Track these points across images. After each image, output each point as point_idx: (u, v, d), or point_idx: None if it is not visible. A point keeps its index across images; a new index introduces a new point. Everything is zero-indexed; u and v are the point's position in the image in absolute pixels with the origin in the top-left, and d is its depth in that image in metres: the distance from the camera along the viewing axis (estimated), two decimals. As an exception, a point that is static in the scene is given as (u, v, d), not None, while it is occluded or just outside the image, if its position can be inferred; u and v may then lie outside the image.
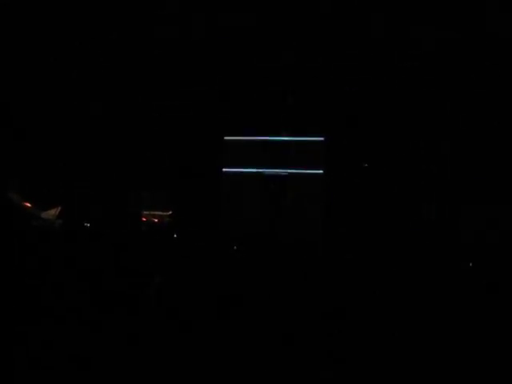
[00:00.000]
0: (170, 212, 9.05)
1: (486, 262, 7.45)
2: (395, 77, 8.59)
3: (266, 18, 8.28)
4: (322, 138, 9.14)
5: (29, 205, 7.48)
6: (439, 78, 8.48)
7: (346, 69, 8.67)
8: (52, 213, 7.87)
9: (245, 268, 7.07)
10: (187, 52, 8.84)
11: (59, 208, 7.89)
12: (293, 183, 9.17)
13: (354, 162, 8.94)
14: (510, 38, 7.81)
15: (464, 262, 7.56)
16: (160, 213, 9.03)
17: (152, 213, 8.99)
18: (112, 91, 9.18)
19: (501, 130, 8.32)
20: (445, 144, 8.64)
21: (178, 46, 8.79)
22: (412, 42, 8.21)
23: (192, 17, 8.47)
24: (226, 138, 9.38)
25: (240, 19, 8.31)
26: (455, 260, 7.62)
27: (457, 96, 8.50)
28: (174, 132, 9.25)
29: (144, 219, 8.84)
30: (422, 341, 4.34)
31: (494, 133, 8.41)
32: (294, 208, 9.10)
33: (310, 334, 4.35)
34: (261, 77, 8.87)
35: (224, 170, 9.33)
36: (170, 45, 8.76)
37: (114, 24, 8.48)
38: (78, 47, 8.69)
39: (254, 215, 9.11)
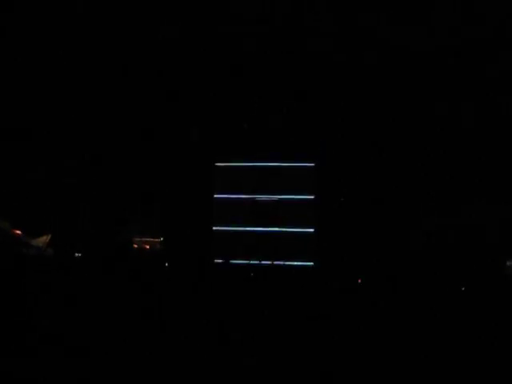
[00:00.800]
0: (162, 238, 9.01)
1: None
2: (382, 101, 8.73)
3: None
4: (312, 164, 9.21)
5: (19, 232, 7.44)
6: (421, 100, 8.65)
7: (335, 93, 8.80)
8: (42, 240, 7.84)
9: (238, 295, 7.03)
10: (173, 78, 8.88)
11: (49, 236, 7.86)
12: (284, 208, 9.19)
13: (345, 187, 9.00)
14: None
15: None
16: (151, 239, 8.99)
17: (143, 239, 8.94)
18: (100, 121, 9.16)
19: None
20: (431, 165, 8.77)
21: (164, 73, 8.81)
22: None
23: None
24: (217, 164, 9.40)
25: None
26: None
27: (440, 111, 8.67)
28: (164, 159, 9.24)
29: (135, 246, 8.79)
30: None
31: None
32: (286, 232, 9.11)
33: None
34: (252, 103, 8.96)
35: (215, 196, 9.33)
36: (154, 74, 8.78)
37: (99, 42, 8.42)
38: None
39: (247, 240, 9.10)
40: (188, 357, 4.33)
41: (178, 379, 3.90)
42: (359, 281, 8.12)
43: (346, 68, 8.44)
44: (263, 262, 8.89)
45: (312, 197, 9.15)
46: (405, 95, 8.66)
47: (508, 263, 8.47)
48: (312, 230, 9.11)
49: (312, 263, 9.01)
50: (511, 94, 8.30)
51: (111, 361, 4.11)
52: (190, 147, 9.23)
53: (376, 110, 8.83)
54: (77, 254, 7.87)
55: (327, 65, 8.47)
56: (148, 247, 8.89)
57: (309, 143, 9.12)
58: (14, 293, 5.58)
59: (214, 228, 9.22)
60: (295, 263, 8.97)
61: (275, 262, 8.92)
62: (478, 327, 5.29)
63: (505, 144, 8.54)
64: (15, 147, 8.85)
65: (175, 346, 4.62)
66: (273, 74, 8.78)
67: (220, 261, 8.81)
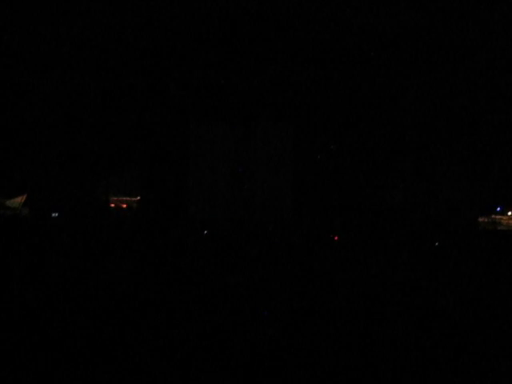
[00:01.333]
0: (138, 197, 9.03)
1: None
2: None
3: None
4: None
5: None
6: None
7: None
8: (18, 201, 7.84)
9: (215, 252, 7.14)
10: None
11: (25, 196, 7.86)
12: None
13: (322, 146, 9.04)
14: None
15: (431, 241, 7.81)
16: (128, 198, 9.01)
17: (120, 198, 8.96)
18: (79, 79, 9.00)
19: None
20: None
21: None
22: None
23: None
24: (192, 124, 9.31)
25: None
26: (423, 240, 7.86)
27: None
28: (142, 117, 9.15)
29: (112, 205, 8.82)
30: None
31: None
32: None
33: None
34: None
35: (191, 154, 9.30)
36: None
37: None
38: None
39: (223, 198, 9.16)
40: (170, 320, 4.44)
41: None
42: (336, 238, 8.30)
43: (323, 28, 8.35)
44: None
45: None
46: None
47: (479, 219, 8.74)
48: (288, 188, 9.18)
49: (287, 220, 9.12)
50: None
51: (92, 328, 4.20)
52: (168, 106, 9.13)
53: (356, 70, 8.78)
54: (53, 214, 7.88)
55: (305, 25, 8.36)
56: (125, 206, 8.93)
57: (286, 103, 9.06)
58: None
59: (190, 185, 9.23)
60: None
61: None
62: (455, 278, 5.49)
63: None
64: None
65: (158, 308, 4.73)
66: (254, 38, 8.66)
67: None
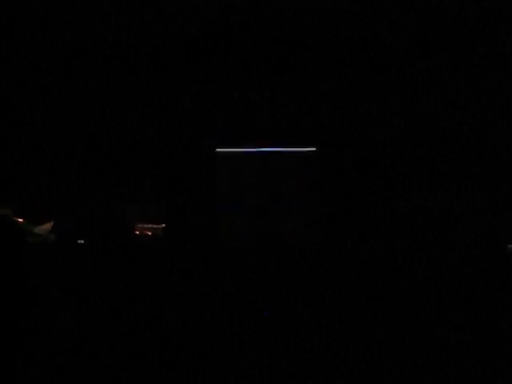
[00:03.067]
0: (163, 225, 9.00)
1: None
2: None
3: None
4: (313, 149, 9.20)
5: (21, 220, 7.44)
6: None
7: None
8: (45, 228, 7.84)
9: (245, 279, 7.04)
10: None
11: (52, 223, 7.86)
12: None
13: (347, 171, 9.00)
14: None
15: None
16: (153, 226, 8.98)
17: (145, 226, 8.93)
18: (101, 106, 9.16)
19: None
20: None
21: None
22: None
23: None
24: (218, 150, 9.39)
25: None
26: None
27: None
28: (168, 144, 9.24)
29: (137, 232, 8.78)
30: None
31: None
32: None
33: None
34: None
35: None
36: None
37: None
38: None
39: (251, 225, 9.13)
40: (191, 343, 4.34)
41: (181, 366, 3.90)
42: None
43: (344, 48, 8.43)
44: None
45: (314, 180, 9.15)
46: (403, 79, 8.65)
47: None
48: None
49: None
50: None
51: (113, 348, 4.13)
52: (195, 133, 9.22)
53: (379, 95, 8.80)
54: (79, 241, 7.87)
55: (325, 46, 8.44)
56: (150, 234, 8.89)
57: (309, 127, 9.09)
58: (18, 280, 5.59)
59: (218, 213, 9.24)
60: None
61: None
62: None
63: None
64: (16, 135, 8.86)
65: (177, 333, 4.64)
66: (274, 60, 8.77)
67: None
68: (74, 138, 9.06)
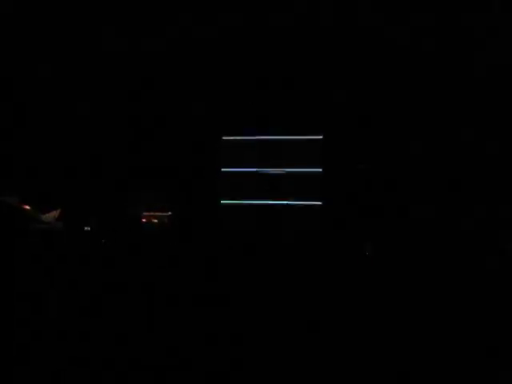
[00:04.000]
0: (170, 213, 9.06)
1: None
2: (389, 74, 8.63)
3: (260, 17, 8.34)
4: (320, 137, 9.16)
5: (28, 208, 7.53)
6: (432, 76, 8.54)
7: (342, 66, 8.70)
8: (52, 215, 7.93)
9: (245, 267, 7.08)
10: (185, 51, 8.88)
11: (59, 211, 7.95)
12: (290, 182, 9.21)
13: (353, 160, 8.95)
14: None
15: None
16: (159, 213, 9.05)
17: (152, 213, 9.01)
18: (109, 92, 9.20)
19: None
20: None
21: (175, 46, 8.83)
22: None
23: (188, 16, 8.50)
24: (224, 138, 9.40)
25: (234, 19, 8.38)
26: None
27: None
28: (172, 133, 9.27)
29: (144, 220, 8.86)
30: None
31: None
32: (293, 205, 9.14)
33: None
34: (258, 75, 8.93)
35: (222, 169, 9.36)
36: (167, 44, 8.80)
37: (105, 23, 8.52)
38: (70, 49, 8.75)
39: (253, 214, 9.16)
40: (198, 332, 4.39)
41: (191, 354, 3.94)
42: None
43: (352, 38, 8.36)
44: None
45: (320, 170, 9.12)
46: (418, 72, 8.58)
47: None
48: (319, 202, 9.11)
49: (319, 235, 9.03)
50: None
51: (122, 338, 4.18)
52: (197, 121, 9.24)
53: (385, 81, 8.72)
54: (86, 228, 7.96)
55: (332, 35, 8.39)
56: (156, 221, 8.96)
57: (317, 115, 9.05)
58: (24, 268, 5.68)
59: (222, 202, 9.29)
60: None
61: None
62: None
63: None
64: (24, 121, 8.93)
65: (185, 321, 4.69)
66: (280, 47, 8.73)
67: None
68: (82, 131, 9.14)
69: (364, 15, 8.20)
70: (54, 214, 7.74)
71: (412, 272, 6.54)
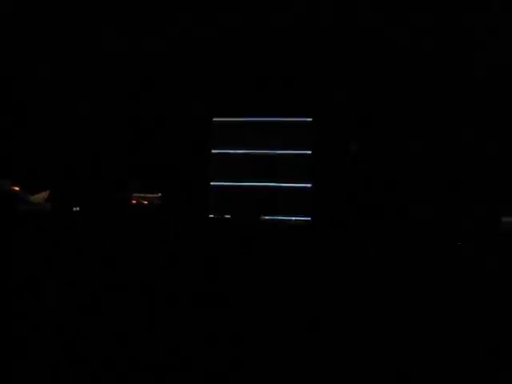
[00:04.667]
0: (160, 194, 9.09)
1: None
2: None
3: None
4: (310, 119, 9.17)
5: (17, 189, 7.55)
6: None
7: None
8: (41, 197, 7.96)
9: (236, 250, 7.12)
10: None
11: (48, 192, 7.97)
12: (282, 163, 9.24)
13: (342, 143, 8.97)
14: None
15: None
16: (150, 195, 9.08)
17: (142, 195, 9.03)
18: (99, 83, 9.16)
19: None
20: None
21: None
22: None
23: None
24: (214, 119, 9.39)
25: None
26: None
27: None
28: (162, 117, 9.25)
29: (134, 201, 8.89)
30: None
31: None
32: (284, 187, 9.19)
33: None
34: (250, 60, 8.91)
35: (212, 151, 9.37)
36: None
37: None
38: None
39: (244, 196, 9.21)
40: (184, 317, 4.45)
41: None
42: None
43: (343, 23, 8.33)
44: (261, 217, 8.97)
45: (309, 152, 9.15)
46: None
47: (503, 219, 8.54)
48: (309, 184, 9.16)
49: (309, 218, 9.09)
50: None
51: (111, 322, 4.23)
52: (189, 102, 9.21)
53: (377, 66, 8.71)
54: (75, 209, 8.00)
55: (324, 21, 8.36)
56: (146, 203, 9.00)
57: (307, 98, 9.03)
58: (12, 249, 5.72)
59: (212, 183, 9.32)
60: (292, 218, 9.06)
61: (274, 217, 9.01)
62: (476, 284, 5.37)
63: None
64: (14, 106, 8.91)
65: (172, 305, 4.74)
66: (272, 29, 8.69)
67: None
68: (72, 115, 9.12)
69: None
70: (43, 195, 7.77)
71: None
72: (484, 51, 8.11)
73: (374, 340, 4.00)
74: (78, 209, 7.98)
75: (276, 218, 9.00)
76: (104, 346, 3.61)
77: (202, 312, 4.43)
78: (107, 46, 8.65)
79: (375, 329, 4.25)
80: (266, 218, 8.94)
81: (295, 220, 9.01)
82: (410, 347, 3.85)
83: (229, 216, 8.68)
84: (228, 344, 3.88)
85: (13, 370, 3.19)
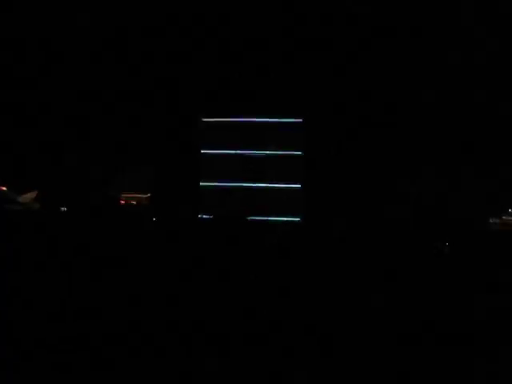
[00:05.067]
0: (149, 194, 9.08)
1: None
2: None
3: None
4: (300, 120, 9.19)
5: (4, 189, 7.53)
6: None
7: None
8: (29, 196, 7.94)
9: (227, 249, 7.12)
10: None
11: (36, 192, 7.95)
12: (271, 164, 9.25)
13: (333, 143, 9.00)
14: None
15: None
16: (138, 195, 9.06)
17: (131, 195, 9.01)
18: (91, 84, 9.12)
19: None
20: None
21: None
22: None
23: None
24: (203, 119, 9.37)
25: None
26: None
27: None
28: (152, 115, 9.21)
29: (122, 201, 8.87)
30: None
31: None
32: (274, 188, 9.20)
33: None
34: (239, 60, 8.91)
35: (202, 151, 9.35)
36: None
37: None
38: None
39: (234, 196, 9.20)
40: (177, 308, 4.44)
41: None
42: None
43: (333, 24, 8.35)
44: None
45: (299, 152, 9.17)
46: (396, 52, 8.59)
47: (491, 220, 8.65)
48: (299, 185, 9.18)
49: (298, 218, 9.11)
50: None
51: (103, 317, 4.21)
52: (180, 103, 9.19)
53: (366, 67, 8.74)
54: (62, 209, 7.97)
55: (315, 21, 8.37)
56: (135, 203, 8.98)
57: (297, 99, 9.05)
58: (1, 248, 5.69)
59: (201, 184, 9.30)
60: (282, 218, 9.08)
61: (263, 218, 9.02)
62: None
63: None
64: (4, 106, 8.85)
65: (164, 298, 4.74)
66: (261, 29, 8.70)
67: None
68: (60, 107, 9.05)
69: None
70: (31, 194, 7.75)
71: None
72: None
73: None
74: (64, 209, 7.96)
75: (265, 218, 9.01)
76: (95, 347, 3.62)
77: (189, 308, 4.45)
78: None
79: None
80: (255, 218, 8.94)
81: (284, 221, 9.04)
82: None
83: (216, 216, 8.67)
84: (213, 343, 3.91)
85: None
